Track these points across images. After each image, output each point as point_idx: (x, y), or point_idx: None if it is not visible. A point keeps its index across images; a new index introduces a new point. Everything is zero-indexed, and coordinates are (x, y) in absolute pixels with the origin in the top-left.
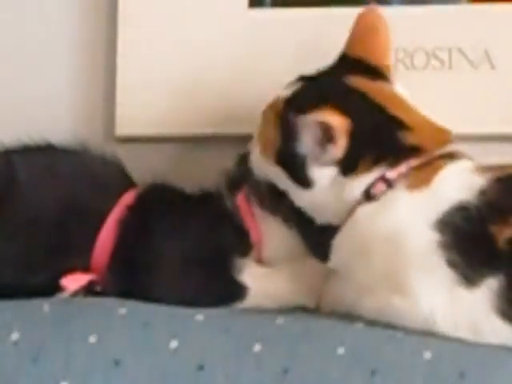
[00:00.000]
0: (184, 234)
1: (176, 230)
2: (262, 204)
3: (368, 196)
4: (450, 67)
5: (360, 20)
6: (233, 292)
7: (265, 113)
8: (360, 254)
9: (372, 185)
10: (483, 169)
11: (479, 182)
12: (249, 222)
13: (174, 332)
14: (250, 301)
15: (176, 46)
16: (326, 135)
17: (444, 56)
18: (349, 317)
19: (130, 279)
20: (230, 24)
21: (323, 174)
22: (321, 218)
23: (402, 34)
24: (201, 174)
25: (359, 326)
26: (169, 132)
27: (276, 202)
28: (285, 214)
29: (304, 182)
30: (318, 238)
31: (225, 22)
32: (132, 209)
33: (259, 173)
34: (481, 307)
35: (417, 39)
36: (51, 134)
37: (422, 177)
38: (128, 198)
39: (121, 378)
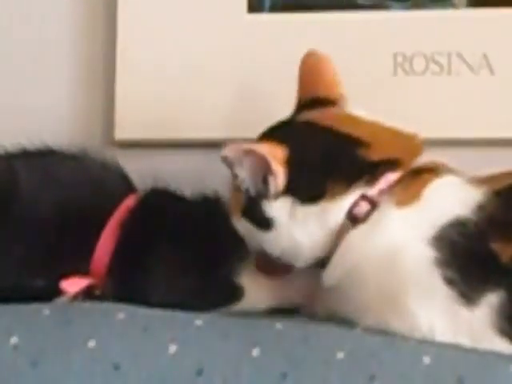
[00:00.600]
0: (184, 238)
1: (176, 235)
2: None
3: (352, 219)
4: (449, 72)
5: (302, 66)
6: (229, 293)
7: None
8: (354, 277)
9: (353, 206)
10: (475, 181)
11: (476, 196)
12: None
13: (173, 337)
14: (246, 301)
15: (175, 51)
16: (262, 168)
17: (443, 61)
18: (348, 322)
19: (130, 283)
20: (228, 29)
21: (278, 209)
22: (302, 261)
23: (401, 38)
24: (201, 179)
25: (358, 330)
26: (168, 136)
27: None
28: None
29: (264, 223)
30: None
31: (224, 27)
32: (133, 213)
33: (244, 236)
34: (480, 325)
35: (416, 44)
36: (51, 138)
37: (409, 192)
38: (128, 202)
39: (120, 382)
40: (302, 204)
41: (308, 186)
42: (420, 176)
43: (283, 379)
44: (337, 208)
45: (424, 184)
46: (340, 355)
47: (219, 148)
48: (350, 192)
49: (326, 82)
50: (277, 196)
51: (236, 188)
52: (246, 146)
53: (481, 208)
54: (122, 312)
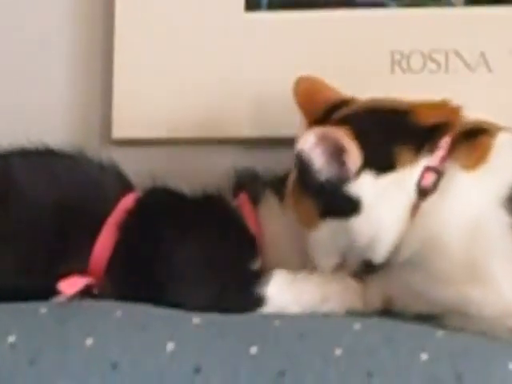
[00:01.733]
0: (187, 237)
1: (179, 234)
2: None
3: (422, 192)
4: (447, 70)
5: (300, 90)
6: (247, 302)
7: (290, 197)
8: (434, 245)
9: (420, 179)
10: None
11: None
12: (252, 224)
13: (170, 335)
14: (272, 308)
15: (172, 49)
16: (335, 149)
17: (440, 59)
18: (345, 318)
19: (130, 283)
20: (226, 27)
21: (361, 185)
22: (381, 247)
23: (398, 36)
24: (197, 177)
25: (356, 327)
26: (165, 135)
27: None
28: None
29: (353, 207)
30: None
31: (221, 26)
32: (132, 213)
33: (322, 248)
34: None
35: (413, 42)
36: (48, 137)
37: (474, 155)
38: (127, 201)
39: (118, 380)
40: (380, 175)
41: (379, 156)
42: (478, 137)
43: (281, 377)
44: (408, 179)
45: (488, 146)
46: (338, 352)
47: (216, 146)
48: (417, 161)
49: (334, 93)
50: (358, 173)
51: (301, 200)
52: (316, 131)
53: None
54: (119, 310)
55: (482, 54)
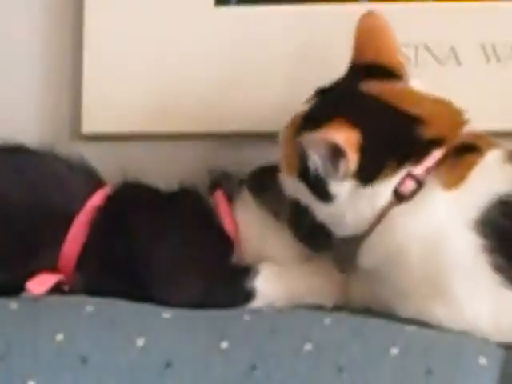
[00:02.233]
0: (161, 233)
1: (152, 230)
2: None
3: (398, 196)
4: (417, 64)
5: (361, 25)
6: (236, 297)
7: (285, 131)
8: (396, 257)
9: (400, 184)
10: None
11: None
12: (228, 222)
13: (141, 330)
14: (261, 302)
15: (142, 44)
16: (336, 152)
17: (410, 53)
18: (316, 313)
19: (101, 280)
20: (196, 22)
21: (342, 189)
22: (342, 230)
23: None
24: (169, 172)
25: (327, 321)
26: (135, 130)
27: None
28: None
29: (325, 196)
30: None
31: (191, 20)
32: (102, 209)
33: (288, 191)
34: None
35: None
36: (17, 132)
37: (455, 174)
38: (97, 197)
39: (88, 375)
40: (362, 186)
41: (370, 171)
42: (465, 155)
43: (252, 371)
44: (386, 187)
45: (470, 166)
46: (308, 347)
47: (187, 141)
48: (398, 171)
49: (388, 48)
50: (344, 179)
51: (290, 143)
52: (324, 134)
53: None
54: (90, 305)
55: (452, 48)
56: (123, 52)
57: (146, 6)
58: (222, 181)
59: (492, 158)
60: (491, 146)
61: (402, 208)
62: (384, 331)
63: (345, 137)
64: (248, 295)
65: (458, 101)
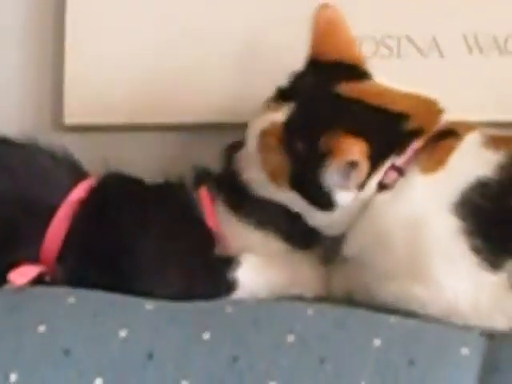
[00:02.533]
0: (144, 224)
1: (135, 221)
2: (235, 206)
3: (381, 186)
4: (399, 55)
5: (318, 19)
6: (219, 288)
7: (263, 139)
8: (379, 241)
9: (384, 176)
10: (492, 142)
11: (496, 157)
12: (210, 219)
13: (123, 321)
14: (243, 293)
15: (124, 35)
16: (350, 165)
17: (393, 44)
18: (298, 304)
19: (83, 271)
20: (180, 10)
21: (347, 196)
22: (335, 230)
23: (350, 21)
24: (151, 163)
25: (309, 313)
26: (117, 121)
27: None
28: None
29: (326, 205)
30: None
31: (172, 12)
32: (85, 201)
33: (264, 194)
34: (503, 287)
35: (365, 27)
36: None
37: (434, 159)
38: (79, 189)
39: (70, 367)
40: (362, 189)
41: (370, 175)
42: (444, 141)
43: (234, 362)
44: (373, 181)
45: (448, 150)
46: (290, 338)
47: (168, 132)
48: (384, 163)
49: (348, 43)
50: (354, 188)
51: (272, 151)
52: (345, 156)
53: (502, 167)
54: (72, 296)
55: (434, 39)
56: (105, 42)
57: None
58: (206, 178)
59: (471, 140)
60: (470, 128)
61: (384, 195)
62: (367, 323)
63: (359, 151)
64: (230, 286)
65: (441, 92)
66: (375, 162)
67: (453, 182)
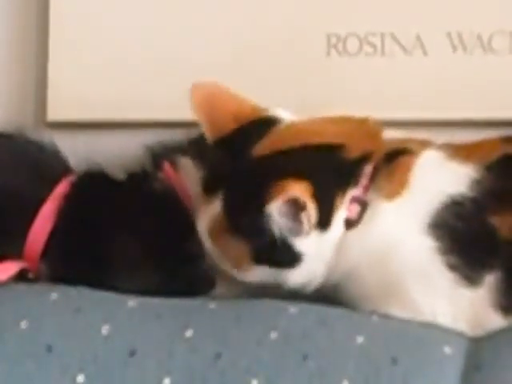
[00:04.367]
0: (121, 221)
1: (111, 218)
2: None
3: (348, 224)
4: (383, 53)
5: (195, 104)
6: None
7: (213, 237)
8: (352, 277)
9: (347, 211)
10: (456, 154)
11: (467, 171)
12: (181, 190)
13: (105, 317)
14: (220, 289)
15: (109, 29)
16: (295, 207)
17: (377, 42)
18: (282, 302)
19: (65, 267)
20: (159, 7)
21: (308, 242)
22: (315, 283)
23: (334, 19)
24: (134, 159)
25: (292, 310)
26: (101, 117)
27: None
28: None
29: (292, 259)
30: None
31: (155, 5)
32: (67, 197)
33: (249, 281)
34: (482, 304)
35: (349, 24)
36: None
37: (394, 181)
38: (64, 185)
39: (52, 363)
40: (323, 231)
41: (326, 212)
42: (398, 161)
43: (217, 359)
44: (339, 218)
45: (407, 168)
46: (273, 335)
47: (152, 129)
48: (345, 198)
49: (234, 109)
50: (309, 232)
51: (225, 242)
52: (286, 195)
53: (476, 183)
54: (54, 293)
55: (418, 37)
56: (89, 38)
57: None
58: (164, 152)
59: (431, 157)
60: (423, 146)
61: (352, 232)
62: (349, 320)
63: (299, 188)
64: (210, 282)
65: (425, 90)
66: (327, 198)
67: (422, 202)
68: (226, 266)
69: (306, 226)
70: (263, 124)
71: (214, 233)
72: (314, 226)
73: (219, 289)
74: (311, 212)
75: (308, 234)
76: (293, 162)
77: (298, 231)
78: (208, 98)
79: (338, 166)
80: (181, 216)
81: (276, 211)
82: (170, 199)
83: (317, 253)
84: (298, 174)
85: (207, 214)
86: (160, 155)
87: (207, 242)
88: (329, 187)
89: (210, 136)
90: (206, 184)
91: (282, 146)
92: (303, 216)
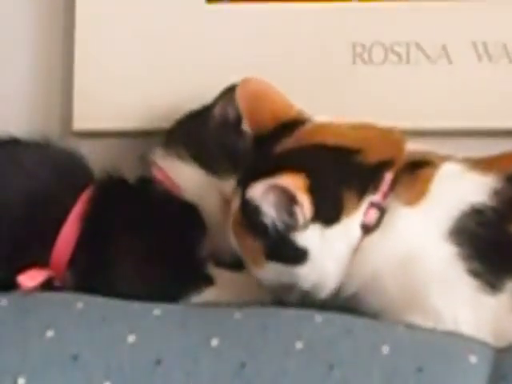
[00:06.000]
0: (145, 226)
1: (133, 223)
2: None
3: (365, 228)
4: (408, 62)
5: (241, 98)
6: (199, 280)
7: (229, 230)
8: (373, 285)
9: (364, 216)
10: (476, 166)
11: (488, 181)
12: (169, 184)
13: (131, 326)
14: (214, 291)
15: (134, 40)
16: (288, 200)
17: (402, 51)
18: (307, 312)
19: (92, 274)
20: (188, 19)
21: (309, 236)
22: (330, 285)
23: (360, 28)
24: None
25: (318, 320)
26: (127, 126)
27: None
28: None
29: (298, 255)
30: None
31: (183, 18)
32: (90, 205)
33: (269, 281)
34: (504, 310)
35: (375, 34)
36: (7, 129)
37: (415, 189)
38: (88, 193)
39: (78, 372)
40: (328, 227)
41: (329, 208)
42: (419, 170)
43: (242, 368)
44: (354, 221)
45: (428, 178)
46: (299, 345)
47: None
48: (362, 202)
49: (276, 107)
50: (306, 225)
51: (242, 237)
52: (269, 181)
53: (496, 193)
54: (80, 302)
55: (443, 47)
56: (115, 49)
57: (137, 4)
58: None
59: (451, 169)
60: (442, 158)
61: (371, 238)
62: (374, 330)
63: (290, 181)
64: (207, 284)
65: (450, 99)
66: (332, 195)
67: (443, 209)
68: (246, 263)
69: (300, 219)
70: (294, 125)
71: (235, 228)
72: (312, 220)
73: (212, 291)
74: (305, 205)
75: (305, 227)
76: (298, 159)
77: (293, 225)
78: (253, 94)
79: (351, 168)
80: (185, 216)
81: (266, 202)
82: (172, 201)
83: (323, 249)
84: (298, 169)
85: (232, 209)
86: (148, 159)
87: (231, 238)
88: (335, 185)
89: (250, 131)
90: (237, 179)
91: (298, 145)
92: (297, 209)
